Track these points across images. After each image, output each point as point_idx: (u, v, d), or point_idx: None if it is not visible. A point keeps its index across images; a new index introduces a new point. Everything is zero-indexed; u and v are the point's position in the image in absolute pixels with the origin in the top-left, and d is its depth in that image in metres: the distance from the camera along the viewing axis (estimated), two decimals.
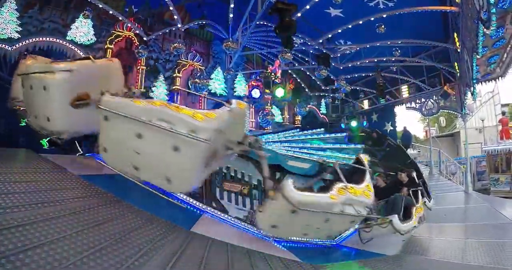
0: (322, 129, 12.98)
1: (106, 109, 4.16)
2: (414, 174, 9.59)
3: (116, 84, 5.46)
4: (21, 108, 6.55)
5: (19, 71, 5.70)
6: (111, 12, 14.41)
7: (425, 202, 9.47)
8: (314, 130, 12.89)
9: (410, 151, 21.18)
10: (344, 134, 13.20)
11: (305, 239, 7.87)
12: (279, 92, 16.72)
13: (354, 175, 6.36)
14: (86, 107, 4.77)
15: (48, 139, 8.78)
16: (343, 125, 21.85)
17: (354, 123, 20.03)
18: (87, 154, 9.03)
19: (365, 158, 7.06)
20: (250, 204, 8.66)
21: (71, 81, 4.91)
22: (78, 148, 9.44)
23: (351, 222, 5.98)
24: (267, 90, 18.20)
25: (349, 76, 20.53)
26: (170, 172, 4.35)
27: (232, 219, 7.99)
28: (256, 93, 17.01)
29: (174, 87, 16.93)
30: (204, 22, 16.93)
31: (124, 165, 4.67)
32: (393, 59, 17.96)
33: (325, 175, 6.60)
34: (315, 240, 8.20)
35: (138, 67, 16.11)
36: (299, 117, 22.79)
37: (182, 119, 4.00)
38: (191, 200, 7.70)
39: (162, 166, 4.36)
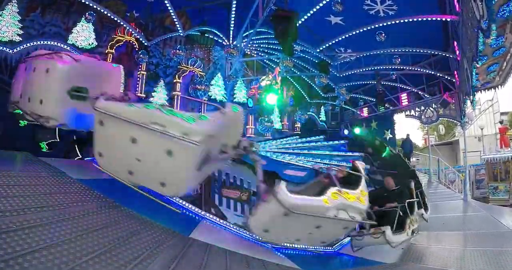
0: (322, 137, 13.02)
1: (102, 111, 4.18)
2: (412, 184, 9.46)
3: (115, 88, 5.60)
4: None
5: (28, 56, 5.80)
6: (112, 17, 14.42)
7: (422, 214, 9.38)
8: (312, 138, 12.96)
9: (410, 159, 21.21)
10: (342, 142, 13.25)
11: (299, 246, 7.71)
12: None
13: (349, 181, 6.36)
14: (81, 101, 4.88)
15: (47, 142, 8.80)
16: (346, 133, 21.82)
17: (357, 131, 19.99)
18: (86, 158, 9.03)
19: (361, 164, 7.08)
20: (249, 210, 8.65)
21: (75, 70, 5.00)
22: (78, 152, 9.46)
23: (344, 228, 6.07)
24: None
25: (348, 84, 20.58)
26: (164, 176, 4.40)
27: (231, 226, 7.98)
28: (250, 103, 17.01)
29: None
30: (205, 29, 16.97)
31: (119, 169, 4.70)
32: (392, 67, 17.99)
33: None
34: (310, 246, 8.08)
35: (139, 72, 16.12)
36: (298, 125, 22.82)
37: (175, 122, 4.02)
38: (190, 206, 7.68)
39: (156, 171, 4.39)
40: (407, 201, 8.44)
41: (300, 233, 5.83)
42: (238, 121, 5.05)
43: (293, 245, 7.56)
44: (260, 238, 6.95)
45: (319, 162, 11.04)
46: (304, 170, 9.90)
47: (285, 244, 7.43)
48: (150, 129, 3.98)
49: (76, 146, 9.40)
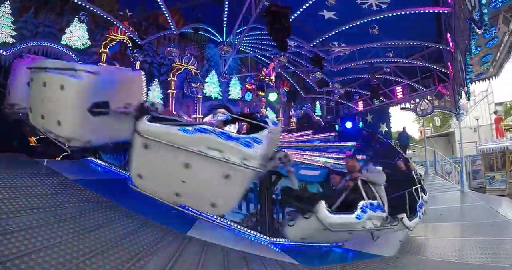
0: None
1: (150, 138, 4.06)
2: (413, 172, 9.68)
3: (137, 95, 5.31)
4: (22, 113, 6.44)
5: (29, 65, 5.41)
6: (105, 16, 14.34)
7: (422, 196, 9.43)
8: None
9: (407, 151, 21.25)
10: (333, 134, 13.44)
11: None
12: (272, 96, 16.80)
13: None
14: (103, 116, 4.69)
15: (37, 138, 8.64)
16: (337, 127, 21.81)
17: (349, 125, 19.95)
18: (82, 159, 9.01)
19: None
20: (246, 207, 8.65)
21: (93, 85, 4.65)
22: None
23: (368, 231, 6.89)
24: (261, 93, 18.20)
25: (343, 78, 20.58)
26: (217, 197, 4.34)
27: (228, 223, 7.98)
28: (248, 96, 16.94)
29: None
30: (198, 26, 16.92)
31: (164, 191, 4.60)
32: (387, 60, 17.99)
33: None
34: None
35: None
36: (294, 120, 22.81)
37: (232, 147, 3.98)
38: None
39: (208, 193, 4.34)
40: (414, 187, 8.88)
41: (332, 238, 6.89)
42: (279, 136, 5.08)
43: None
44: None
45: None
46: (317, 169, 9.94)
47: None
48: (207, 156, 3.95)
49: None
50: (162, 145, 4.00)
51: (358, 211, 6.05)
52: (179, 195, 4.43)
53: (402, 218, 7.59)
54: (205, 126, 4.11)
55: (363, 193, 6.37)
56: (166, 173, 4.34)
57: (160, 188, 4.58)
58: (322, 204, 5.58)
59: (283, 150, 5.77)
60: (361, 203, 6.16)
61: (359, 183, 6.51)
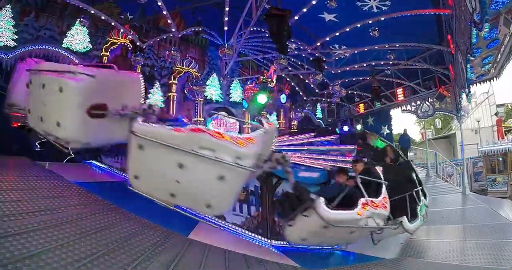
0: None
1: (144, 136, 4.07)
2: (414, 175, 9.50)
3: (135, 99, 5.31)
4: (22, 115, 6.43)
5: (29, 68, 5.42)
6: (106, 19, 14.36)
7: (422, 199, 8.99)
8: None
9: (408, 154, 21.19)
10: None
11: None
12: (262, 98, 16.72)
13: (369, 186, 6.76)
14: (101, 118, 4.73)
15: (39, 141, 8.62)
16: (346, 129, 21.73)
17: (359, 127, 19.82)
18: (83, 161, 9.02)
19: (379, 169, 7.39)
20: (247, 210, 8.65)
21: (91, 87, 4.66)
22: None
23: (370, 231, 6.78)
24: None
25: (344, 81, 20.54)
26: (212, 198, 4.34)
27: (230, 225, 7.98)
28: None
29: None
30: (199, 29, 16.93)
31: (159, 192, 4.59)
32: (388, 62, 17.96)
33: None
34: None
35: None
36: (295, 122, 22.76)
37: (225, 146, 3.98)
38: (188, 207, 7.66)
39: (203, 194, 4.34)
40: (415, 189, 8.67)
41: (334, 238, 6.70)
42: (273, 136, 5.06)
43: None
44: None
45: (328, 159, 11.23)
46: (316, 171, 9.94)
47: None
48: (201, 156, 3.96)
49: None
50: (157, 144, 4.00)
51: (359, 208, 6.06)
52: (174, 195, 4.42)
53: (402, 221, 7.55)
54: (199, 126, 4.15)
55: (363, 191, 6.36)
56: (160, 173, 4.33)
57: (156, 188, 4.57)
58: (321, 200, 5.51)
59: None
60: (362, 200, 6.17)
61: (359, 181, 6.52)
